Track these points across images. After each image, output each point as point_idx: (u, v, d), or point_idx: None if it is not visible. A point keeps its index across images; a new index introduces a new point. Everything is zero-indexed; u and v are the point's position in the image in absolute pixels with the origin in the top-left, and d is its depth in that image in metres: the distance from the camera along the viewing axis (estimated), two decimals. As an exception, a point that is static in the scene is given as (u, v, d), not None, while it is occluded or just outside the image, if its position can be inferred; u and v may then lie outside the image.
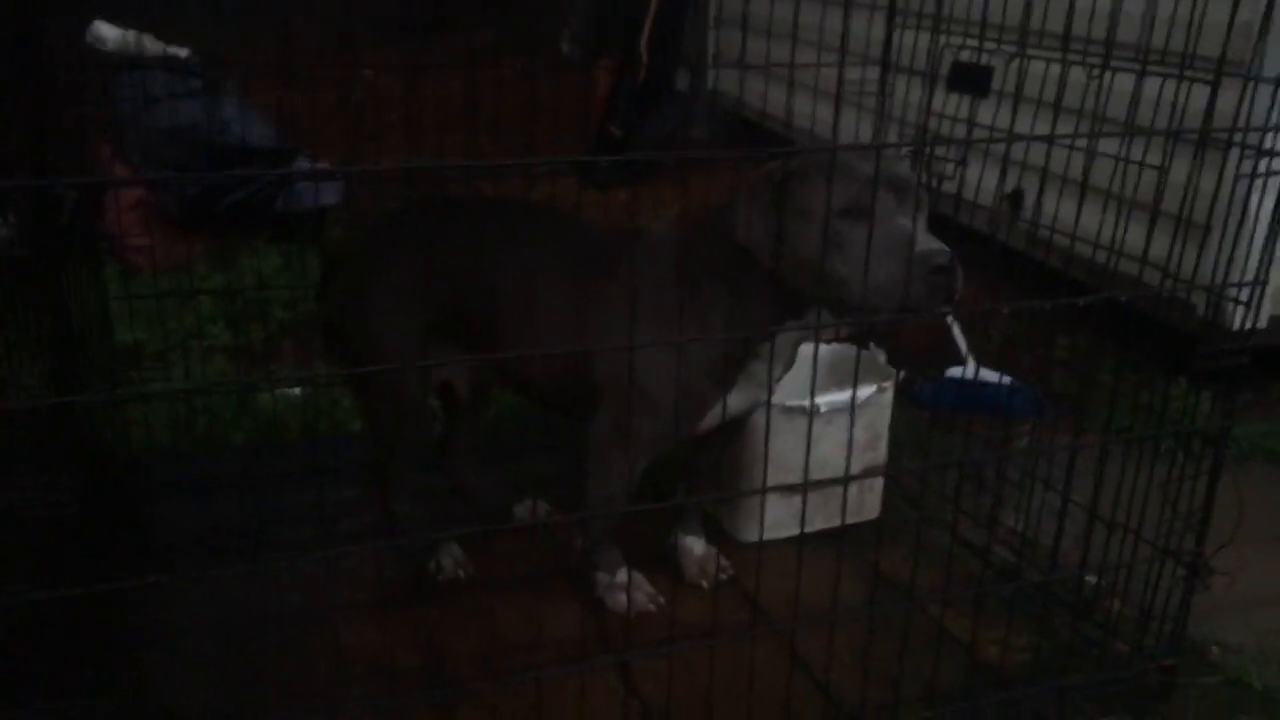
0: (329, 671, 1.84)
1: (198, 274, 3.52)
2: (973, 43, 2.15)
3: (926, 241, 1.57)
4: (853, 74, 2.28)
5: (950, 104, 2.20)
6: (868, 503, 2.35)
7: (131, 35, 3.91)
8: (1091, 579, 2.12)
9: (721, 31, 6.07)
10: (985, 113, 2.18)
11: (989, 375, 2.92)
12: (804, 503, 1.97)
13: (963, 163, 2.07)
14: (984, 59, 2.15)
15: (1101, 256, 1.88)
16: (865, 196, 1.57)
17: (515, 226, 2.01)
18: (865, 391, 2.24)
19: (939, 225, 1.71)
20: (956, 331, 3.20)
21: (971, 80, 2.09)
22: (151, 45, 4.08)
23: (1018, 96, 1.98)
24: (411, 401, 2.00)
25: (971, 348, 3.14)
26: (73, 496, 1.73)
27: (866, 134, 2.85)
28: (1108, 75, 1.76)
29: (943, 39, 2.19)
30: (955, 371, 3.01)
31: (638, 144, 5.32)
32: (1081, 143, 1.72)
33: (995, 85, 2.10)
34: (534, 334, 1.89)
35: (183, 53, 4.13)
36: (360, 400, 2.14)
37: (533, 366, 1.96)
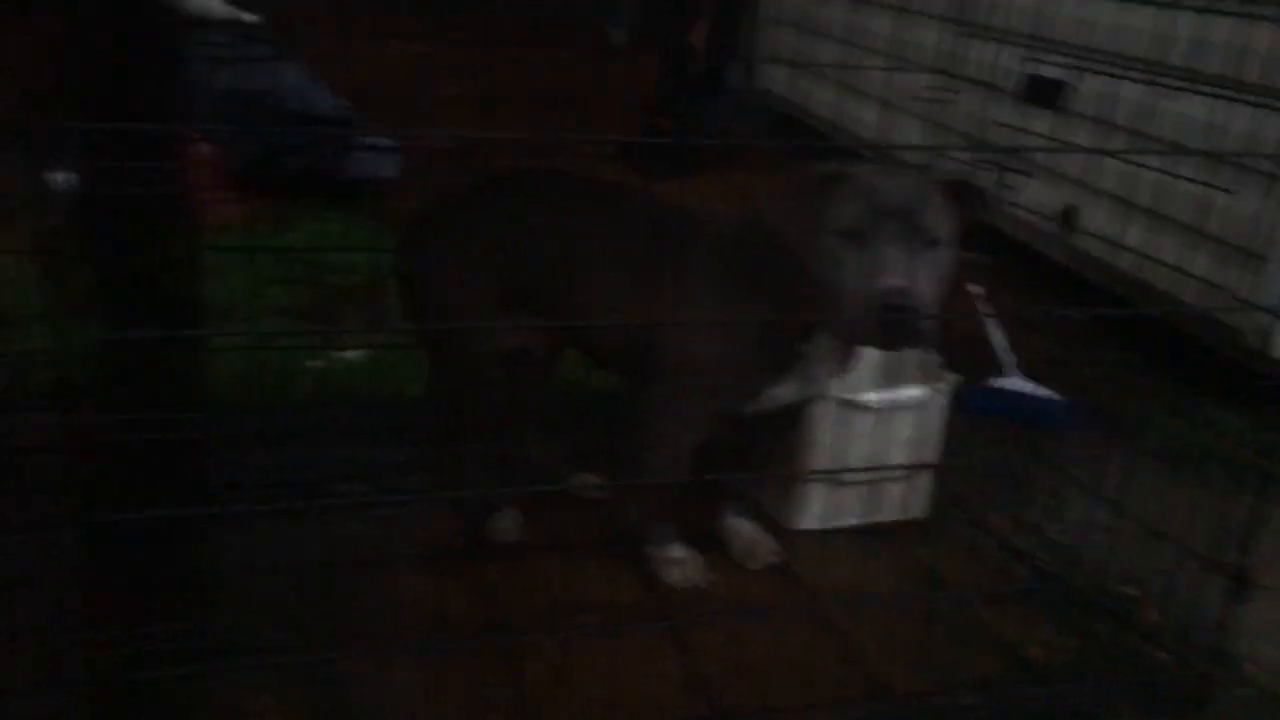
0: (393, 619, 1.91)
1: (258, 235, 3.60)
2: (1049, 58, 2.19)
3: (895, 278, 1.57)
4: (911, 80, 2.32)
5: (1005, 115, 2.24)
6: (914, 502, 2.40)
7: (200, -3, 3.99)
8: (1131, 589, 2.17)
9: (773, 30, 6.11)
10: (1040, 126, 2.23)
11: (1029, 386, 2.97)
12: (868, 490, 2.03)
13: (1028, 174, 2.12)
14: (1055, 74, 2.20)
15: (1160, 276, 1.93)
16: (863, 221, 1.61)
17: (590, 199, 2.07)
18: (920, 392, 2.30)
19: (993, 239, 1.74)
20: (997, 340, 3.25)
21: (1045, 94, 2.13)
22: (219, 8, 4.16)
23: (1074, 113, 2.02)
24: (484, 365, 2.07)
25: (1015, 360, 3.19)
26: (160, 433, 1.80)
27: (918, 141, 2.90)
28: (1181, 98, 1.81)
29: (1016, 52, 2.24)
30: (997, 381, 3.07)
31: (688, 137, 5.38)
32: (1149, 162, 1.76)
33: (1067, 101, 2.15)
34: (606, 303, 1.96)
35: (249, 18, 4.21)
36: (434, 362, 2.20)
37: (603, 335, 2.03)
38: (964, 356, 3.24)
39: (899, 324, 1.57)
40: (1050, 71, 2.13)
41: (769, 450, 2.21)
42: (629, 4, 6.85)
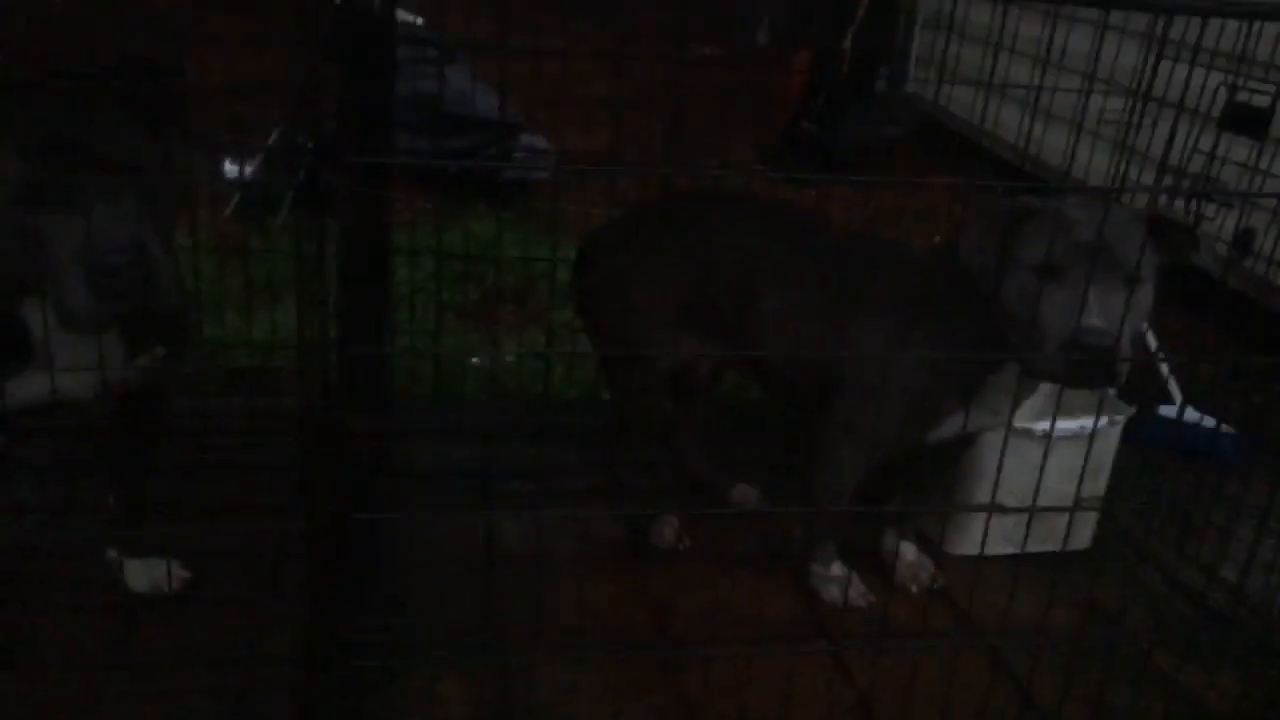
0: (565, 617, 1.98)
1: (424, 233, 3.75)
2: (1252, 83, 2.11)
3: (1092, 317, 1.54)
4: (1094, 102, 2.25)
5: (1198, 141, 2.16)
6: (1080, 533, 2.35)
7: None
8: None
9: (927, 34, 5.99)
10: (1237, 153, 2.14)
11: (1198, 417, 2.87)
12: (1029, 522, 2.00)
13: (1233, 207, 2.05)
14: (1257, 99, 2.11)
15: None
16: (1061, 256, 1.59)
17: (770, 223, 2.10)
18: (1093, 422, 2.24)
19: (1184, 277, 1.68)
20: (1167, 370, 3.14)
21: (1249, 121, 2.05)
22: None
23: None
24: (656, 380, 2.13)
25: (1181, 388, 3.08)
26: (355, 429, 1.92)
27: (1101, 167, 2.81)
28: None
29: (1218, 76, 2.16)
30: (1165, 411, 2.97)
31: (832, 142, 5.34)
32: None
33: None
34: (784, 329, 1.98)
35: (418, 20, 4.37)
36: (608, 373, 2.27)
37: (779, 358, 2.06)
38: (1134, 386, 3.14)
39: (1094, 365, 1.54)
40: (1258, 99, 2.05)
41: (935, 474, 2.20)
42: (777, 5, 6.82)
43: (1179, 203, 2.21)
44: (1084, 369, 1.56)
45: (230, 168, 3.95)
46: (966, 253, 1.73)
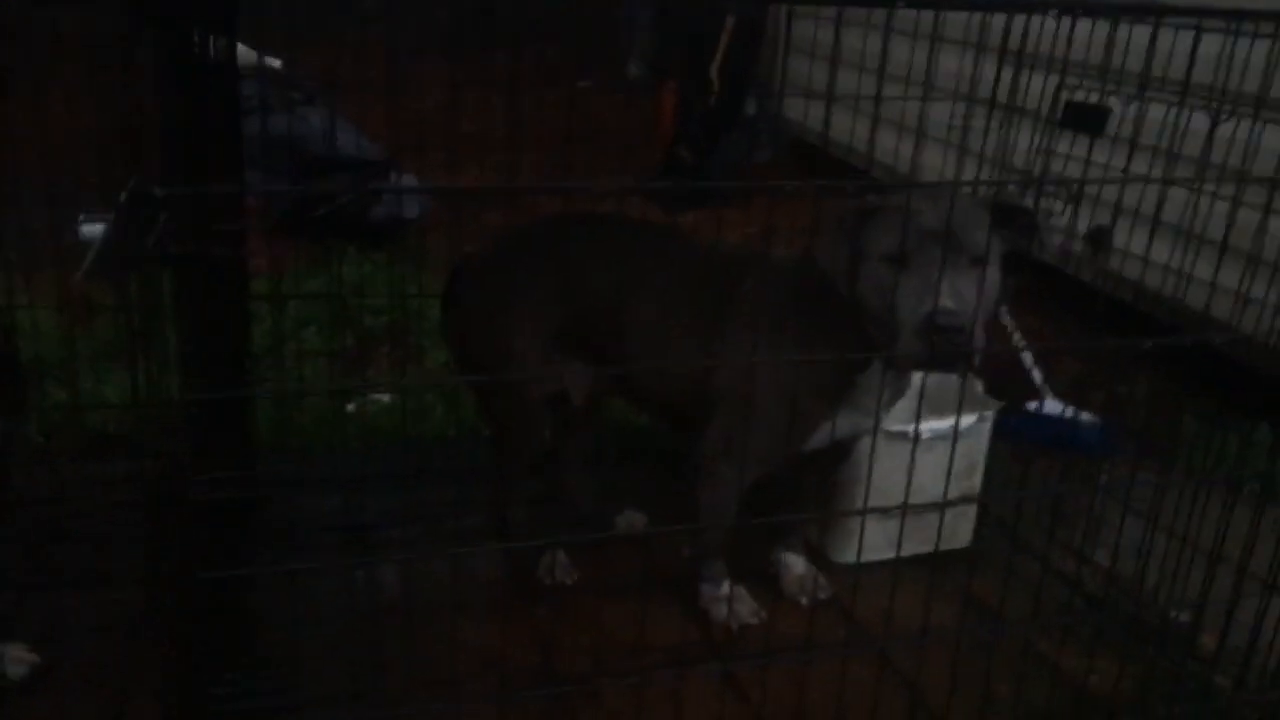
0: (446, 663, 1.91)
1: (291, 278, 3.63)
2: (1089, 84, 2.21)
3: (947, 299, 1.59)
4: (932, 108, 2.31)
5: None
6: (960, 530, 2.39)
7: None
8: (1182, 615, 2.15)
9: (786, 57, 6.15)
10: (1061, 149, 2.24)
11: (1065, 410, 2.97)
12: (902, 524, 2.02)
13: (1075, 201, 2.13)
14: (1091, 99, 2.21)
15: (1193, 295, 1.91)
16: (905, 244, 1.64)
17: (640, 243, 2.09)
18: (965, 420, 2.29)
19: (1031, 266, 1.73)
20: (1031, 364, 3.25)
21: (1087, 120, 2.14)
22: (245, 54, 4.22)
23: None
24: (533, 408, 2.08)
25: (1047, 382, 3.19)
26: (227, 484, 1.82)
27: (947, 170, 2.91)
28: (1234, 123, 1.81)
29: (1055, 79, 2.25)
30: (1034, 406, 3.06)
31: (708, 168, 5.41)
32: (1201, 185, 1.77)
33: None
34: (656, 348, 1.97)
35: (277, 63, 4.26)
36: (483, 405, 2.22)
37: (653, 379, 2.04)
38: (1002, 382, 3.24)
39: (949, 344, 1.57)
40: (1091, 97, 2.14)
41: (816, 485, 2.21)
42: (646, 38, 6.91)
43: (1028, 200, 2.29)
44: (941, 350, 1.59)
45: (87, 228, 3.77)
46: (822, 257, 1.76)
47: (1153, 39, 1.60)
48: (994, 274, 1.70)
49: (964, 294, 1.62)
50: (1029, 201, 2.18)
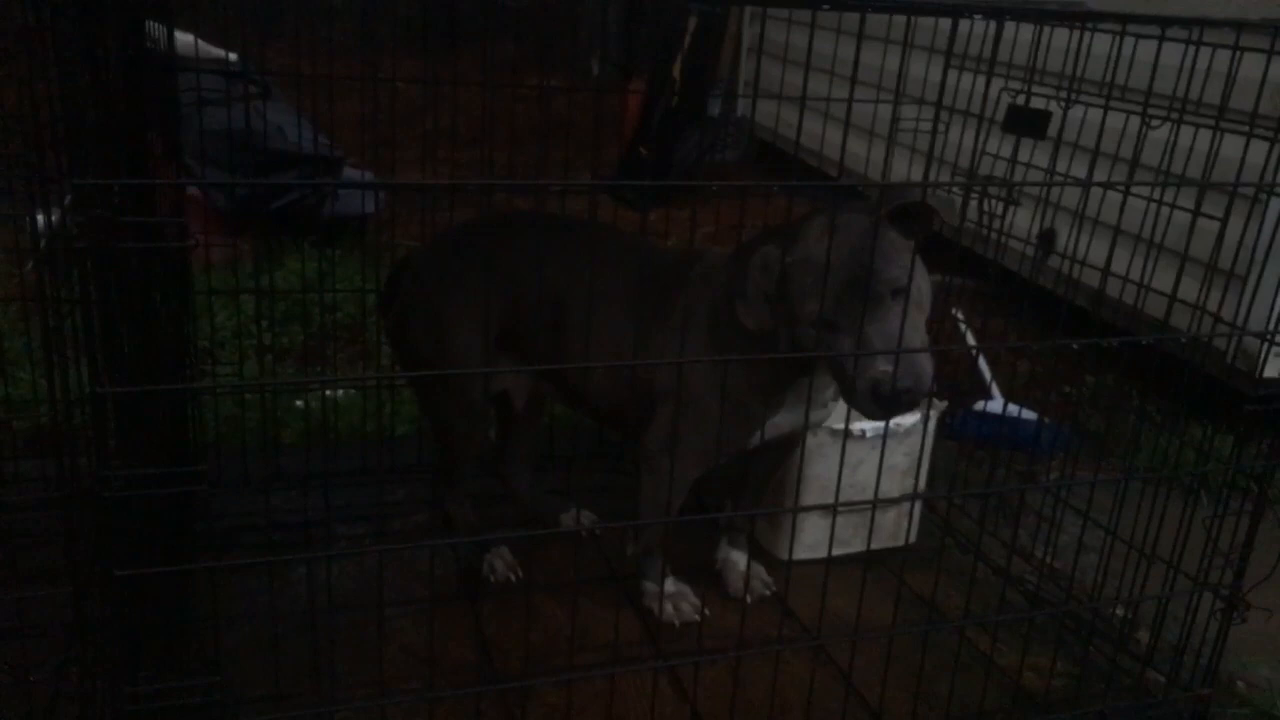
0: (386, 662, 1.90)
1: (243, 273, 3.59)
2: (1027, 88, 2.23)
3: (882, 363, 1.58)
4: (889, 110, 2.34)
5: (992, 145, 2.27)
6: (905, 529, 2.41)
7: (188, 37, 4.00)
8: (1120, 610, 2.18)
9: (754, 61, 6.18)
10: (1022, 155, 2.26)
11: (1013, 410, 2.99)
12: (833, 523, 2.03)
13: (1015, 203, 2.15)
14: (1035, 103, 2.23)
15: (1151, 300, 1.95)
16: (838, 307, 1.63)
17: (581, 244, 2.08)
18: (909, 419, 2.31)
19: (975, 265, 1.74)
20: (983, 365, 3.28)
21: (1028, 123, 2.16)
22: (204, 48, 4.17)
23: (1059, 142, 2.05)
24: (475, 407, 2.07)
25: (999, 383, 3.22)
26: (156, 481, 1.79)
27: (907, 173, 2.93)
28: (1165, 127, 1.83)
29: (999, 82, 2.27)
30: (981, 405, 3.09)
31: (669, 166, 5.42)
32: (1138, 189, 1.79)
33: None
34: (596, 348, 1.96)
35: (233, 57, 4.22)
36: (424, 403, 2.20)
37: (593, 379, 2.03)
38: (951, 382, 3.27)
39: (900, 405, 1.60)
40: (1035, 102, 2.16)
41: (762, 482, 2.21)
42: (610, 36, 6.91)
43: (974, 203, 2.31)
44: (888, 408, 1.61)
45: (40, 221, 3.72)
46: (746, 319, 1.77)
47: (1087, 42, 1.62)
48: (920, 290, 1.69)
49: (893, 337, 1.59)
50: (981, 207, 2.21)
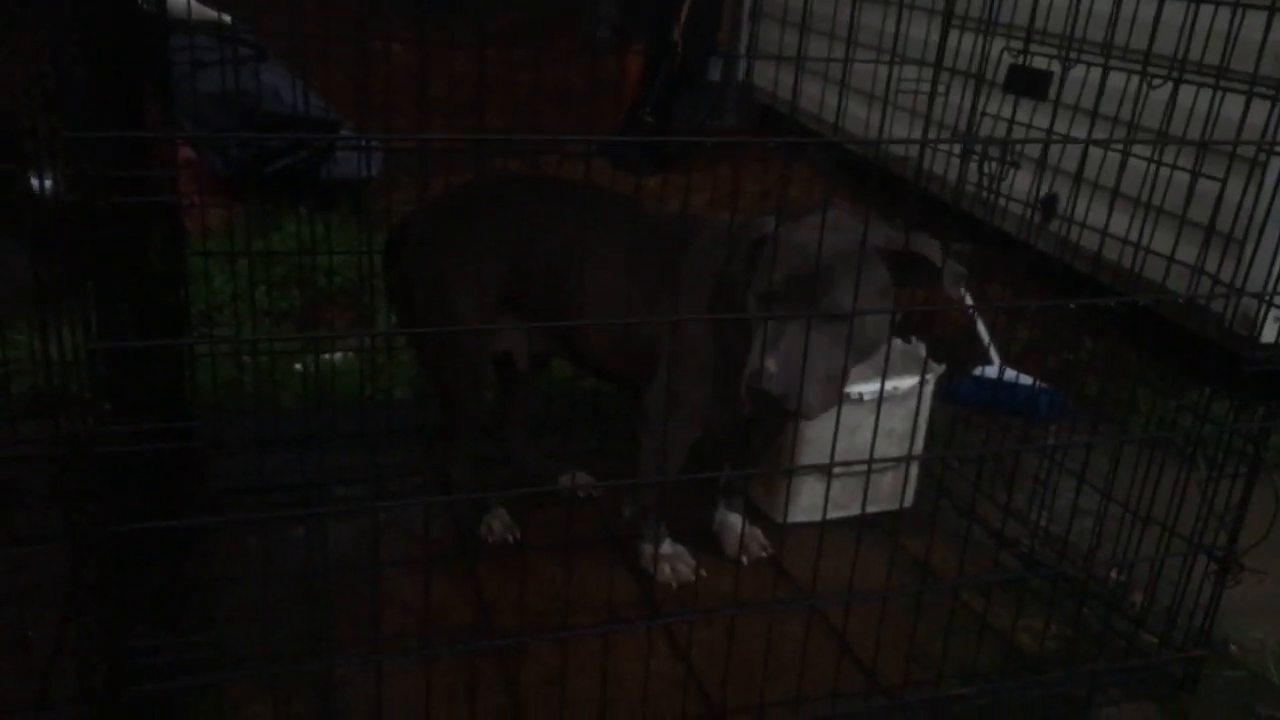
0: (383, 622, 1.92)
1: (240, 237, 3.58)
2: (1033, 48, 2.20)
3: (773, 363, 1.60)
4: (889, 71, 2.31)
5: (993, 107, 2.25)
6: (901, 492, 2.41)
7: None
8: (1115, 574, 2.19)
9: (757, 24, 6.12)
10: (1022, 117, 2.24)
11: (1013, 375, 2.99)
12: (828, 485, 2.03)
13: (1015, 165, 2.13)
14: (1036, 63, 2.21)
15: (1151, 263, 1.94)
16: (775, 287, 1.65)
17: (582, 206, 2.07)
18: (907, 383, 2.31)
19: (974, 228, 1.73)
20: (981, 329, 3.27)
21: (1030, 84, 2.14)
22: (197, 9, 4.13)
23: (1058, 103, 2.03)
24: (477, 367, 2.08)
25: (998, 348, 3.21)
26: (152, 439, 1.80)
27: (905, 134, 2.90)
28: (1166, 86, 1.82)
29: (1000, 42, 2.25)
30: (981, 370, 3.09)
31: (670, 131, 5.37)
32: (1137, 149, 1.78)
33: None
34: (599, 307, 1.96)
35: (227, 18, 4.18)
36: (426, 363, 2.21)
37: (597, 337, 2.04)
38: (950, 347, 3.26)
39: (764, 405, 1.63)
40: (1036, 62, 2.14)
41: (760, 445, 2.22)
42: (611, 2, 6.84)
43: (974, 164, 2.29)
44: (755, 403, 1.64)
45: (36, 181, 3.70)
46: (685, 277, 1.87)
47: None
48: (863, 324, 1.66)
49: (798, 352, 1.59)
50: (981, 168, 2.19)
